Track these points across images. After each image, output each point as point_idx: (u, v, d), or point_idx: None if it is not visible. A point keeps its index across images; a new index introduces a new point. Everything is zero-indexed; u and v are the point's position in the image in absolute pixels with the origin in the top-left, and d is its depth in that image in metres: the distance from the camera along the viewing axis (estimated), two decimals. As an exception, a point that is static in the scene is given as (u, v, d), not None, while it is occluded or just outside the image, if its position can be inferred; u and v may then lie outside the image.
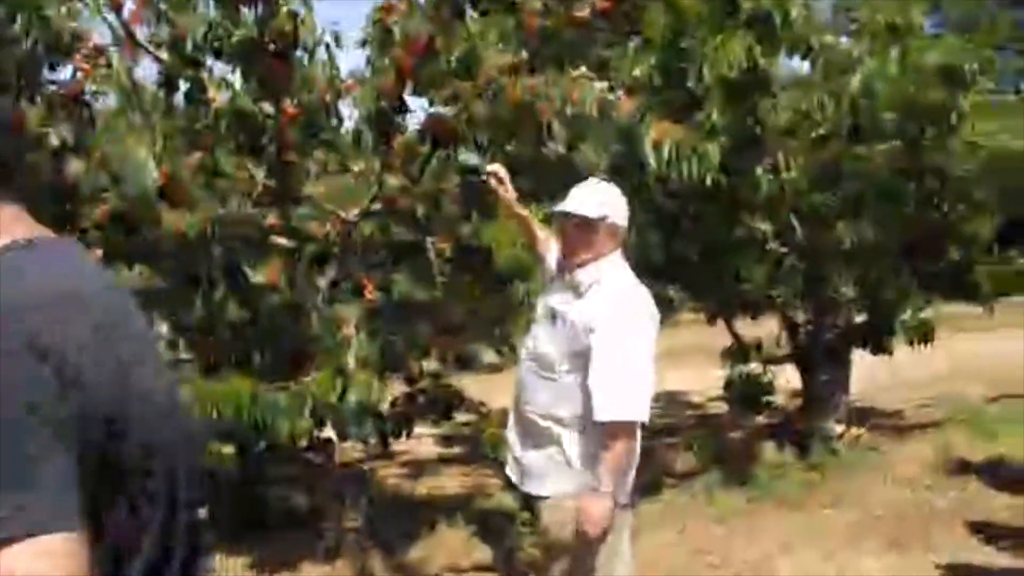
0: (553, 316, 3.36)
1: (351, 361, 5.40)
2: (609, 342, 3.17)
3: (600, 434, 3.17)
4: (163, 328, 7.68)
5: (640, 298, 3.33)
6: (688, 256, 8.15)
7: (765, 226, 7.74)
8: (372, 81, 5.36)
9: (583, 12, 5.68)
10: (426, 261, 7.60)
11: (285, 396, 4.99)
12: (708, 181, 5.01)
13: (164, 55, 5.77)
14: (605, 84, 5.52)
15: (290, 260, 7.02)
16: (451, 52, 5.54)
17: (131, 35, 6.55)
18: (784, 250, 8.26)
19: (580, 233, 3.35)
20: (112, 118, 5.88)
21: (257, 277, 6.91)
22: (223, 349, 6.73)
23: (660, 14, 6.40)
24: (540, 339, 3.42)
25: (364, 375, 5.37)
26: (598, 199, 3.38)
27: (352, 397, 5.21)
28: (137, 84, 6.94)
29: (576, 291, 3.35)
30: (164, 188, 5.74)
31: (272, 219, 6.93)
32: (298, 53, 5.43)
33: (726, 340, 9.59)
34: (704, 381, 11.32)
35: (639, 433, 3.26)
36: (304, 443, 5.66)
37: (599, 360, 3.16)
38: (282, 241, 7.10)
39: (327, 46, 5.40)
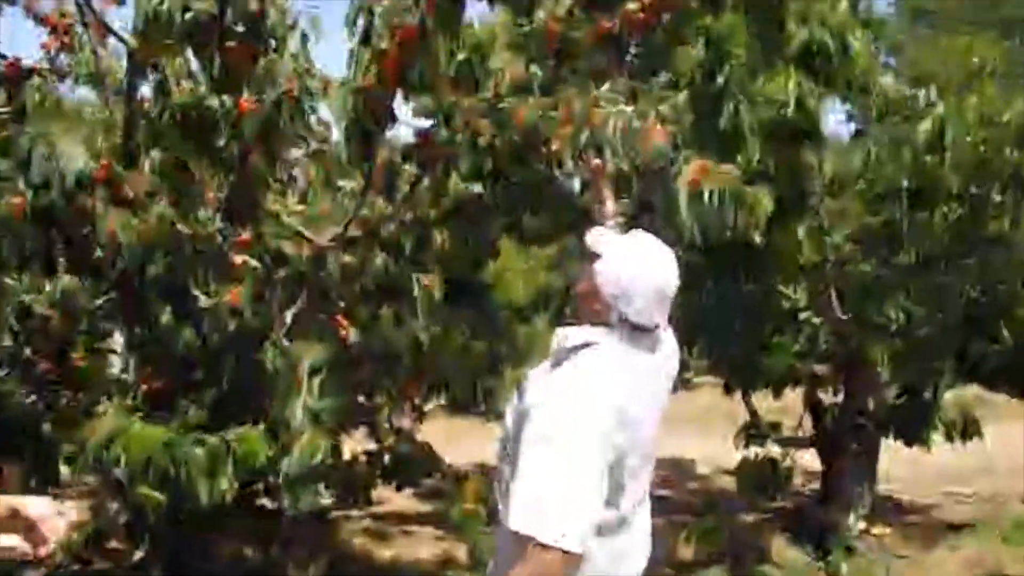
0: (518, 384, 2.68)
1: (298, 414, 4.46)
2: (536, 434, 2.34)
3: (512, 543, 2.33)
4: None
5: (601, 388, 2.48)
6: (708, 318, 7.27)
7: (800, 293, 6.81)
8: (351, 81, 4.46)
9: (610, 24, 4.81)
10: (410, 299, 6.74)
11: (204, 451, 4.05)
12: (755, 238, 4.07)
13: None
14: (631, 109, 4.59)
15: (258, 282, 6.16)
16: (451, 50, 4.68)
17: (95, 14, 5.74)
18: (817, 321, 7.32)
19: (581, 276, 2.69)
20: (38, 104, 5.01)
21: (216, 298, 6.05)
22: (168, 378, 5.85)
23: (693, 43, 5.53)
24: (509, 406, 2.64)
25: (312, 433, 4.43)
26: (618, 249, 2.66)
27: (292, 458, 4.27)
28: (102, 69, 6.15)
29: (553, 356, 2.61)
30: (104, 185, 4.87)
31: (244, 235, 6.10)
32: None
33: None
34: (717, 449, 10.30)
35: (562, 560, 2.26)
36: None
37: (521, 455, 2.36)
38: (249, 261, 6.24)
39: (303, 34, 4.51)
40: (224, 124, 4.45)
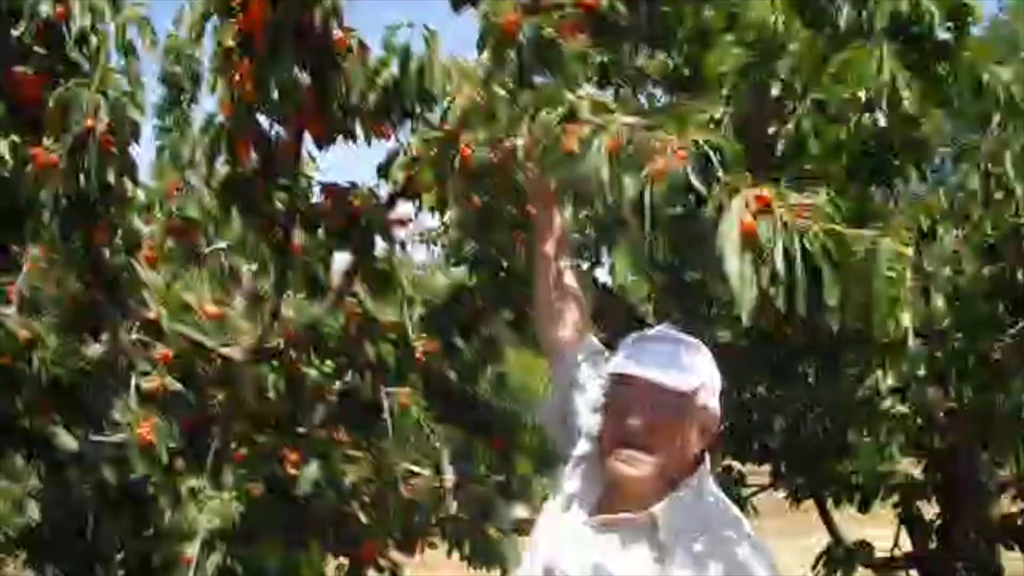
0: None
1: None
2: None
3: None
4: None
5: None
6: (763, 414, 5.91)
7: (887, 380, 5.18)
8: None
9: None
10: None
11: None
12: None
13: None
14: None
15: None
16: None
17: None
18: (907, 409, 5.64)
19: (654, 418, 1.98)
20: None
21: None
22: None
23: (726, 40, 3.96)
24: None
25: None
26: (687, 360, 2.07)
27: None
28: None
29: (650, 541, 1.98)
30: None
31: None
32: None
33: (812, 526, 7.02)
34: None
35: None
36: None
37: None
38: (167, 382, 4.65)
39: (126, 47, 2.96)
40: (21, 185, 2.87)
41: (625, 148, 2.34)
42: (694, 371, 2.05)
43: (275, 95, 2.67)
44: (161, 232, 4.70)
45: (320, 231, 3.45)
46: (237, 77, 2.67)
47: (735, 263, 2.00)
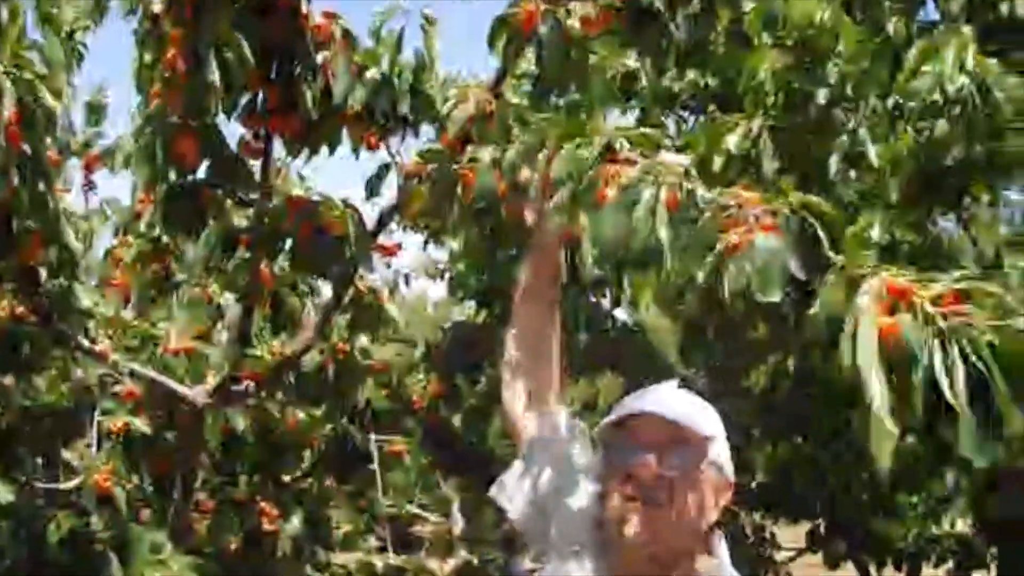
0: None
1: None
2: None
3: None
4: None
5: None
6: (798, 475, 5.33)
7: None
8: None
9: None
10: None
11: None
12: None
13: None
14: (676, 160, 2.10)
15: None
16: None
17: None
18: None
19: (669, 464, 1.62)
20: None
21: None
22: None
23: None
24: None
25: None
26: (701, 408, 1.69)
27: None
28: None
29: None
30: None
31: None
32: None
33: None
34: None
35: None
36: None
37: None
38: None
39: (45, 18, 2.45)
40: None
41: (685, 204, 1.71)
42: (709, 420, 1.69)
43: (212, 70, 2.12)
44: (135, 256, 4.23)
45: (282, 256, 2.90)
46: (170, 54, 2.15)
47: (877, 385, 1.34)
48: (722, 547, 1.72)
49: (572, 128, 2.00)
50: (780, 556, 5.89)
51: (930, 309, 1.37)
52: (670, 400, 1.70)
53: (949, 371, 1.31)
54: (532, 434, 1.85)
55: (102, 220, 4.61)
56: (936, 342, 1.33)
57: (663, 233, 1.68)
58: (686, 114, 5.03)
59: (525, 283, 1.94)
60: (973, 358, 1.31)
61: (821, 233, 1.55)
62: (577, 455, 1.83)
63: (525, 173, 2.22)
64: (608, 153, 1.89)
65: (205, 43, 2.09)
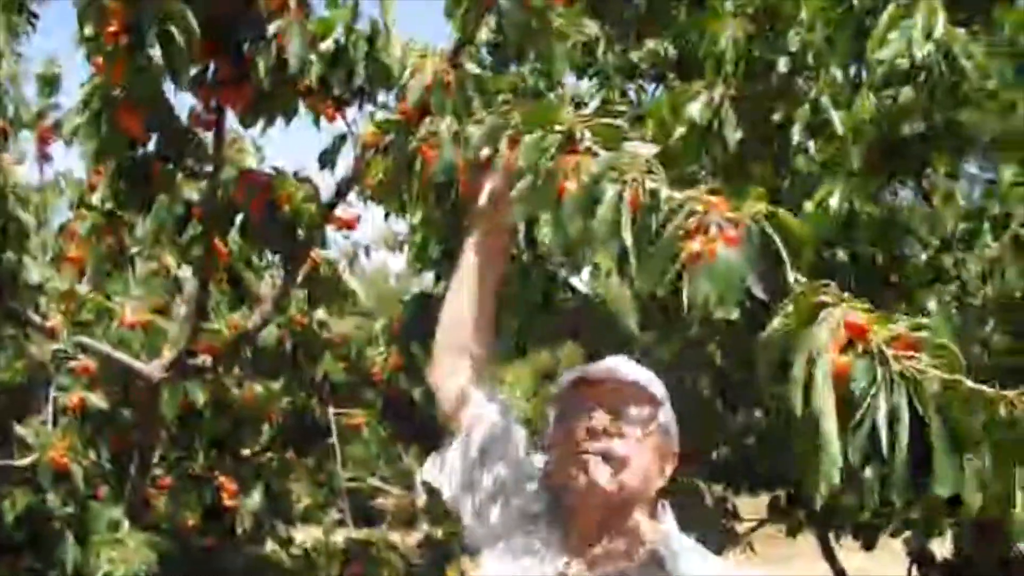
0: None
1: None
2: None
3: None
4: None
5: None
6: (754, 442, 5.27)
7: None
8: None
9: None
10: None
11: None
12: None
13: None
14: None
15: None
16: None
17: None
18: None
19: (621, 420, 1.68)
20: None
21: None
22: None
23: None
24: None
25: None
26: (650, 375, 1.76)
27: None
28: None
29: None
30: None
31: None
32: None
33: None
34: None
35: None
36: None
37: None
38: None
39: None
40: None
41: (648, 205, 1.65)
42: (658, 387, 1.76)
43: (154, 44, 2.06)
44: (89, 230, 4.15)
45: (236, 230, 2.84)
46: (111, 28, 2.09)
47: (831, 424, 1.32)
48: (668, 516, 1.74)
49: (538, 115, 1.93)
50: (742, 528, 5.92)
51: (884, 349, 1.35)
52: (623, 365, 1.74)
53: (892, 415, 1.30)
54: (470, 412, 1.83)
55: (56, 193, 4.53)
56: (884, 384, 1.33)
57: (627, 238, 1.63)
58: (645, 83, 4.99)
59: (470, 263, 1.91)
60: (919, 407, 1.31)
61: (784, 254, 1.50)
62: (516, 430, 1.84)
63: (486, 153, 2.14)
64: (568, 144, 1.83)
65: (148, 16, 2.04)
